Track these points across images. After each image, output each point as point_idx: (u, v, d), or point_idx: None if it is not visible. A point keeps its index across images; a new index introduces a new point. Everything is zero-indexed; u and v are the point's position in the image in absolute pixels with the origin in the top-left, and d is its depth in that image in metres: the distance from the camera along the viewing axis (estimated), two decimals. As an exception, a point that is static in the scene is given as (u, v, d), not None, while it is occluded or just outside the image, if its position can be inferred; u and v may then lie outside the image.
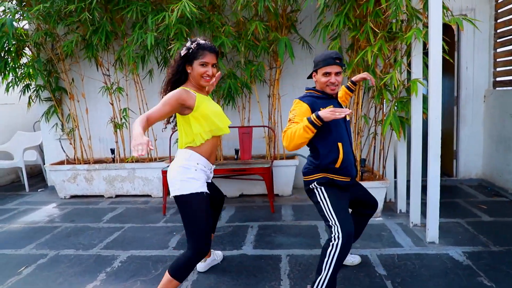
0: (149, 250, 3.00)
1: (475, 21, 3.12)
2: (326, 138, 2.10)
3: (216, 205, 2.49)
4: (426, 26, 2.94)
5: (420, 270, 2.51)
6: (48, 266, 2.79)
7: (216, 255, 2.73)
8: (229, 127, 2.25)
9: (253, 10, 3.84)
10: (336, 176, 2.13)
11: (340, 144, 2.10)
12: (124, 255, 2.91)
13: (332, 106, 2.12)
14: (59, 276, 2.62)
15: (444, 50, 2.76)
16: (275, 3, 3.81)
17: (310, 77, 2.26)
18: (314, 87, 2.22)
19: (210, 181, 2.28)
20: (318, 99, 2.14)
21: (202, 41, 2.07)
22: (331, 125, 2.05)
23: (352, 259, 2.63)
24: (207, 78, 2.07)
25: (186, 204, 2.04)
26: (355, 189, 2.34)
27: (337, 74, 2.10)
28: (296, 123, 2.01)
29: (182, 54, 2.07)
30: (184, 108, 2.02)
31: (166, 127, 2.41)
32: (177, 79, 2.11)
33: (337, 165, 2.09)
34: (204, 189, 2.07)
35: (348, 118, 2.25)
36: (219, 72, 2.25)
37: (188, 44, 2.06)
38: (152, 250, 3.00)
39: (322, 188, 2.15)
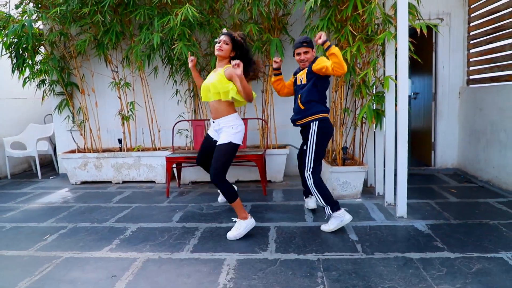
0: (156, 223, 3.44)
1: (449, 22, 3.54)
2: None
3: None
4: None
5: (387, 237, 2.97)
6: (69, 235, 3.24)
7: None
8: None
9: (248, 13, 4.29)
10: None
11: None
12: (134, 227, 3.36)
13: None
14: (80, 241, 3.07)
15: (410, 50, 3.20)
16: (268, 8, 4.26)
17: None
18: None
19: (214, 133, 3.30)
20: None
21: (224, 30, 3.14)
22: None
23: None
24: (218, 49, 3.04)
25: None
26: None
27: (305, 53, 3.08)
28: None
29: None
30: None
31: None
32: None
33: None
34: (208, 132, 3.39)
35: (299, 83, 3.22)
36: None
37: None
38: (158, 223, 3.45)
39: None
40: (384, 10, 3.50)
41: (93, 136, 5.30)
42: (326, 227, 3.11)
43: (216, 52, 3.05)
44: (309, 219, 3.43)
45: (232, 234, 3.01)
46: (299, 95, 3.18)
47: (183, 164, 4.70)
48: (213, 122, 3.20)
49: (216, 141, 3.18)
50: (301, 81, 3.18)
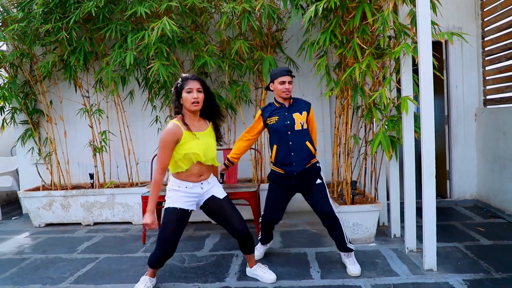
0: (124, 284, 2.73)
1: (464, 35, 3.01)
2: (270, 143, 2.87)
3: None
4: (415, 42, 2.85)
5: (419, 302, 2.30)
6: (8, 305, 2.51)
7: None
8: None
9: (237, 28, 3.74)
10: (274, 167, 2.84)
11: (275, 146, 2.78)
12: (95, 291, 2.65)
13: (277, 117, 2.75)
14: (19, 317, 2.35)
15: (434, 66, 2.64)
16: (260, 22, 3.72)
17: (267, 88, 2.86)
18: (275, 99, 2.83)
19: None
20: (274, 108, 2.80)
21: (184, 75, 2.45)
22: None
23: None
24: (195, 103, 2.36)
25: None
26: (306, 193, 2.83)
27: (289, 82, 2.72)
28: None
29: (173, 91, 2.44)
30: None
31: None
32: (177, 112, 2.46)
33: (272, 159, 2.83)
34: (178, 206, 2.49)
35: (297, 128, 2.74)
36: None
37: (176, 82, 2.45)
38: (127, 284, 2.74)
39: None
40: (398, 20, 2.96)
41: (61, 171, 4.60)
42: (356, 268, 2.73)
43: (193, 108, 2.37)
44: (315, 274, 2.75)
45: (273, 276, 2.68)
46: (306, 141, 2.77)
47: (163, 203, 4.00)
48: (202, 183, 2.53)
49: (191, 211, 2.55)
50: (302, 125, 2.75)
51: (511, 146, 3.86)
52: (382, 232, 3.59)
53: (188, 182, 2.47)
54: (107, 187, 4.32)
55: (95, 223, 4.38)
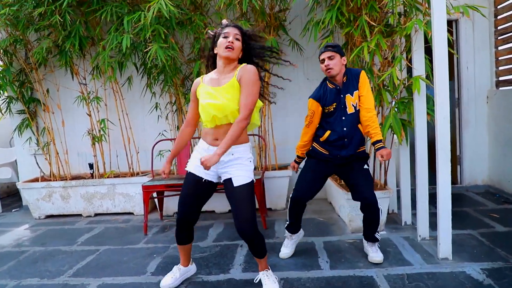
0: (124, 277, 2.62)
1: (480, 8, 2.83)
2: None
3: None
4: (427, 17, 2.67)
5: (435, 293, 2.17)
6: (4, 300, 2.41)
7: None
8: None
9: (238, 9, 3.56)
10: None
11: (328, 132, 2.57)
12: (95, 284, 2.53)
13: (335, 104, 2.51)
14: (15, 312, 2.24)
15: (449, 42, 2.46)
16: (261, 2, 3.54)
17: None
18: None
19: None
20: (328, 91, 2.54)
21: (225, 22, 2.22)
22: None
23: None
24: (229, 48, 2.08)
25: None
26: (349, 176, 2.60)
27: (329, 58, 2.45)
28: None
29: (211, 41, 2.22)
30: None
31: None
32: (206, 65, 2.34)
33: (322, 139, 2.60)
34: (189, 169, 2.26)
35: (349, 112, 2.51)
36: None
37: (215, 30, 2.22)
38: (128, 276, 2.63)
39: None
40: (409, -7, 2.77)
41: (60, 161, 4.49)
42: (379, 255, 2.62)
43: (225, 53, 2.07)
44: (324, 264, 2.63)
45: None
46: (358, 124, 2.55)
47: (165, 193, 3.89)
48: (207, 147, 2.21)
49: (209, 182, 2.23)
50: (354, 107, 2.50)
51: (526, 128, 3.70)
52: (392, 219, 3.46)
53: (204, 142, 2.20)
54: (107, 177, 4.20)
55: (96, 214, 4.27)
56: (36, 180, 4.42)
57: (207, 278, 2.53)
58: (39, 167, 4.54)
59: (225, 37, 2.09)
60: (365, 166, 2.59)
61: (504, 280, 2.25)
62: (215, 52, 2.18)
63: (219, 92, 2.08)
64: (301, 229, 2.88)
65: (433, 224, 2.82)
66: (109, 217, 4.16)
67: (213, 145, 2.15)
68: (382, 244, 2.91)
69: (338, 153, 2.55)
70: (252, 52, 2.22)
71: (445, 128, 2.46)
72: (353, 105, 2.48)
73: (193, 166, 2.23)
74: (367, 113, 2.46)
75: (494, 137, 4.22)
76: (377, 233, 2.62)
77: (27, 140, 4.57)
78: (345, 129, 2.51)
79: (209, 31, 2.26)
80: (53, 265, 2.91)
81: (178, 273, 2.44)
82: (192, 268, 2.56)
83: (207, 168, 1.92)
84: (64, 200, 4.24)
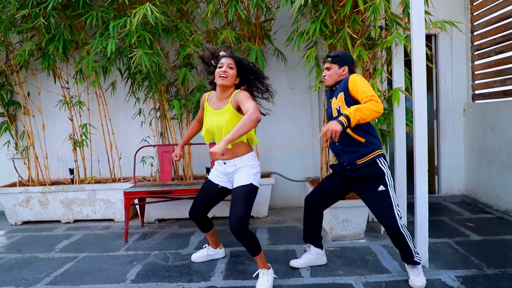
0: (103, 285, 2.58)
1: (455, 25, 2.95)
2: None
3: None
4: (407, 32, 2.77)
5: (412, 300, 2.23)
6: (-23, 308, 2.34)
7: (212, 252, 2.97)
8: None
9: (224, 18, 3.61)
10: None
11: None
12: (73, 292, 2.50)
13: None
14: (-12, 321, 2.18)
15: (427, 56, 2.56)
16: (247, 11, 3.60)
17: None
18: None
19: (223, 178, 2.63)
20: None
21: (222, 53, 2.53)
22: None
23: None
24: (223, 76, 2.38)
25: None
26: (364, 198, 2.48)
27: (327, 68, 2.47)
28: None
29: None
30: None
31: None
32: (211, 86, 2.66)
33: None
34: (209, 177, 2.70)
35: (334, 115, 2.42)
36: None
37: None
38: (107, 284, 2.59)
39: None
40: (390, 9, 2.87)
41: (39, 166, 4.40)
42: (421, 280, 2.39)
43: (219, 82, 2.39)
44: (305, 272, 2.66)
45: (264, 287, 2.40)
46: (347, 129, 2.32)
47: (147, 200, 3.86)
48: (224, 163, 2.54)
49: (224, 188, 2.63)
50: (338, 110, 2.37)
51: (498, 141, 3.84)
52: (372, 228, 3.52)
53: None
54: (88, 183, 4.14)
55: (75, 221, 4.19)
56: (13, 185, 4.32)
57: (188, 285, 2.52)
58: (17, 172, 4.44)
59: (220, 67, 2.40)
60: (380, 188, 2.35)
61: (477, 287, 2.32)
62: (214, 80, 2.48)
63: (218, 115, 2.44)
64: (318, 251, 2.74)
65: (411, 233, 2.88)
66: (89, 224, 4.09)
67: (220, 159, 2.49)
68: (362, 252, 2.97)
69: (339, 159, 2.48)
70: (248, 82, 2.53)
71: (423, 139, 2.54)
72: (336, 109, 2.38)
73: (212, 176, 2.67)
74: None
75: (470, 149, 4.36)
76: (416, 254, 2.41)
77: (6, 143, 4.48)
78: None
79: (198, 51, 2.62)
80: (29, 273, 2.84)
81: (206, 252, 2.92)
82: (221, 252, 2.97)
83: (215, 156, 2.09)
84: (42, 206, 4.15)
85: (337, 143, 2.42)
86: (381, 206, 2.36)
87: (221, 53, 2.52)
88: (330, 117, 2.47)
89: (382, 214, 2.35)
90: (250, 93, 2.47)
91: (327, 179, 2.67)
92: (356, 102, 2.26)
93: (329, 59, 2.45)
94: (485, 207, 4.05)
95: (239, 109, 2.38)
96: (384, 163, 2.38)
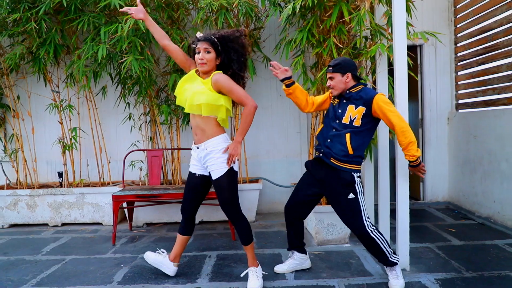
0: (90, 286, 2.60)
1: (438, 37, 3.06)
2: None
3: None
4: (390, 42, 2.87)
5: (392, 302, 2.29)
6: (-38, 309, 2.34)
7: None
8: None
9: (214, 25, 3.68)
10: None
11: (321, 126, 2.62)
12: (59, 293, 2.51)
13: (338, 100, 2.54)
14: (-27, 321, 2.19)
15: (409, 66, 2.66)
16: (237, 19, 3.68)
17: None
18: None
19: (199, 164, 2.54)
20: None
21: (199, 35, 2.41)
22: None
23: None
24: (201, 63, 2.32)
25: None
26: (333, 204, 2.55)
27: (330, 78, 2.46)
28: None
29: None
30: None
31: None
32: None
33: None
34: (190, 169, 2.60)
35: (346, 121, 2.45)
36: None
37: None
38: (93, 285, 2.61)
39: None
40: (374, 20, 2.97)
41: (28, 169, 4.40)
42: (399, 282, 2.44)
43: (200, 68, 2.36)
44: (289, 275, 2.71)
45: (256, 286, 2.45)
46: (348, 134, 2.40)
47: (136, 203, 3.88)
48: (197, 148, 2.47)
49: (202, 176, 2.55)
50: (351, 120, 2.40)
51: (481, 149, 3.96)
52: (357, 233, 3.59)
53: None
54: (77, 186, 4.15)
55: (63, 224, 4.19)
56: (1, 187, 4.31)
57: (174, 287, 2.55)
58: (5, 175, 4.44)
59: (198, 53, 2.34)
60: (350, 196, 2.40)
61: (455, 290, 2.40)
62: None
63: (194, 85, 2.39)
64: (302, 256, 2.76)
65: (393, 237, 2.96)
66: (77, 227, 4.10)
67: (194, 140, 2.48)
68: (346, 256, 3.03)
69: (321, 148, 2.50)
70: (231, 59, 2.39)
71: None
72: (350, 117, 2.40)
73: (191, 166, 2.59)
74: (398, 138, 2.34)
75: (454, 157, 4.48)
76: (391, 256, 2.45)
77: (-6, 146, 4.47)
78: (333, 130, 2.47)
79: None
80: (15, 275, 2.84)
81: (161, 258, 2.70)
82: (173, 270, 2.70)
83: (236, 155, 2.31)
84: (30, 209, 4.15)
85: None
86: (349, 213, 2.44)
87: (198, 34, 2.43)
88: (332, 118, 2.49)
89: (351, 221, 2.45)
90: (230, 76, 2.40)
91: (300, 184, 2.66)
92: (375, 119, 2.42)
93: (330, 68, 2.42)
94: (468, 214, 4.15)
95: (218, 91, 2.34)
96: (357, 177, 2.47)
